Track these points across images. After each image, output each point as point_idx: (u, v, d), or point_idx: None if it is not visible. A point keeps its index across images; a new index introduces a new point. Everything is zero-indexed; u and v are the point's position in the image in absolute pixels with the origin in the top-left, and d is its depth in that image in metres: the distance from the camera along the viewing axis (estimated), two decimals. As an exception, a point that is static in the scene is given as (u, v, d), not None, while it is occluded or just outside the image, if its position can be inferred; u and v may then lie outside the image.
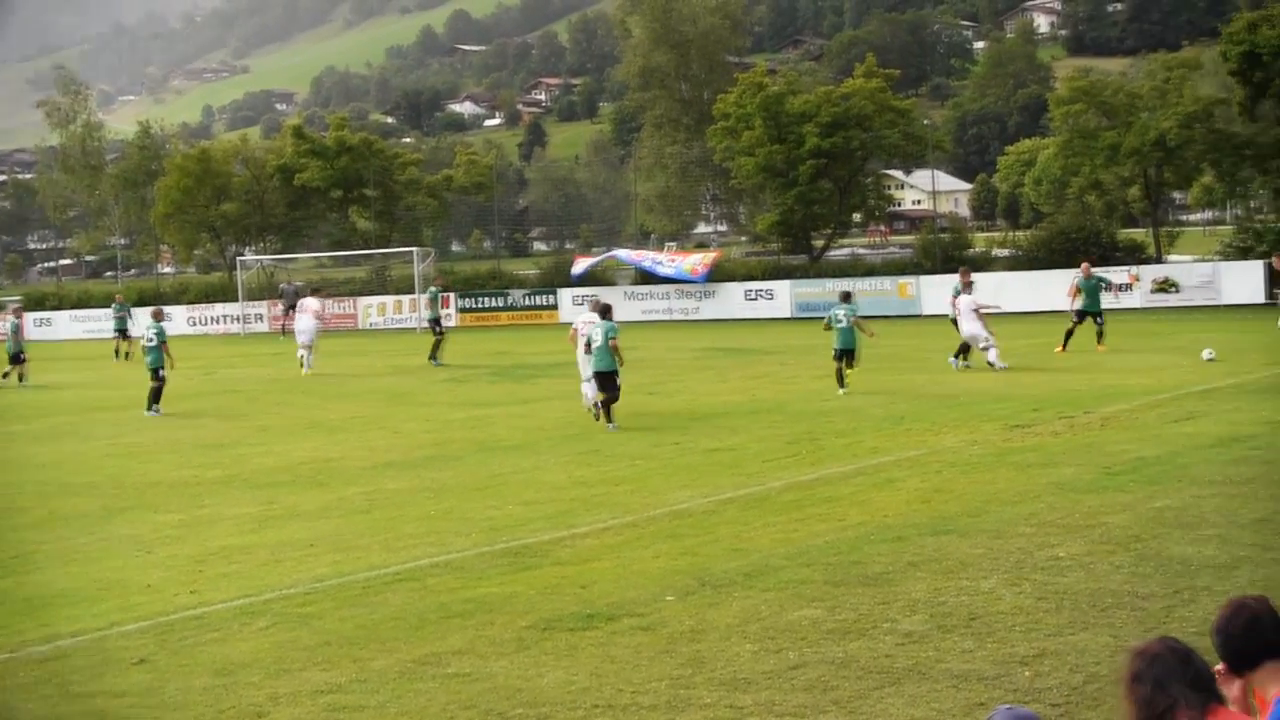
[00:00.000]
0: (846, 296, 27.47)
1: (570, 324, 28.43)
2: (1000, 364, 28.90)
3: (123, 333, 47.63)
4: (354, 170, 69.37)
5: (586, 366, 23.82)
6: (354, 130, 78.33)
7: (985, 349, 29.31)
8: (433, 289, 43.06)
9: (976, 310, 29.72)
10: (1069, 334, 32.17)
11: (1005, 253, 56.26)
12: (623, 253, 61.00)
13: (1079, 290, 32.29)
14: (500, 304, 59.82)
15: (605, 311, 23.89)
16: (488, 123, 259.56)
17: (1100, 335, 32.11)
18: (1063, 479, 15.63)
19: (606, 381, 23.10)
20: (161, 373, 28.48)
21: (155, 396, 28.29)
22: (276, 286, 63.22)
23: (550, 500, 16.49)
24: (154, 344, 28.59)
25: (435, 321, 40.77)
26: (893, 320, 47.42)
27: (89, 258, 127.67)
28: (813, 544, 13.00)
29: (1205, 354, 28.59)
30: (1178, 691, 4.38)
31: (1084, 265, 34.15)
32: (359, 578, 12.73)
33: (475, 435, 23.28)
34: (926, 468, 17.21)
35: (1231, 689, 4.61)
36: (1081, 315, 32.25)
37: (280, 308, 58.46)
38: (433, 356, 38.72)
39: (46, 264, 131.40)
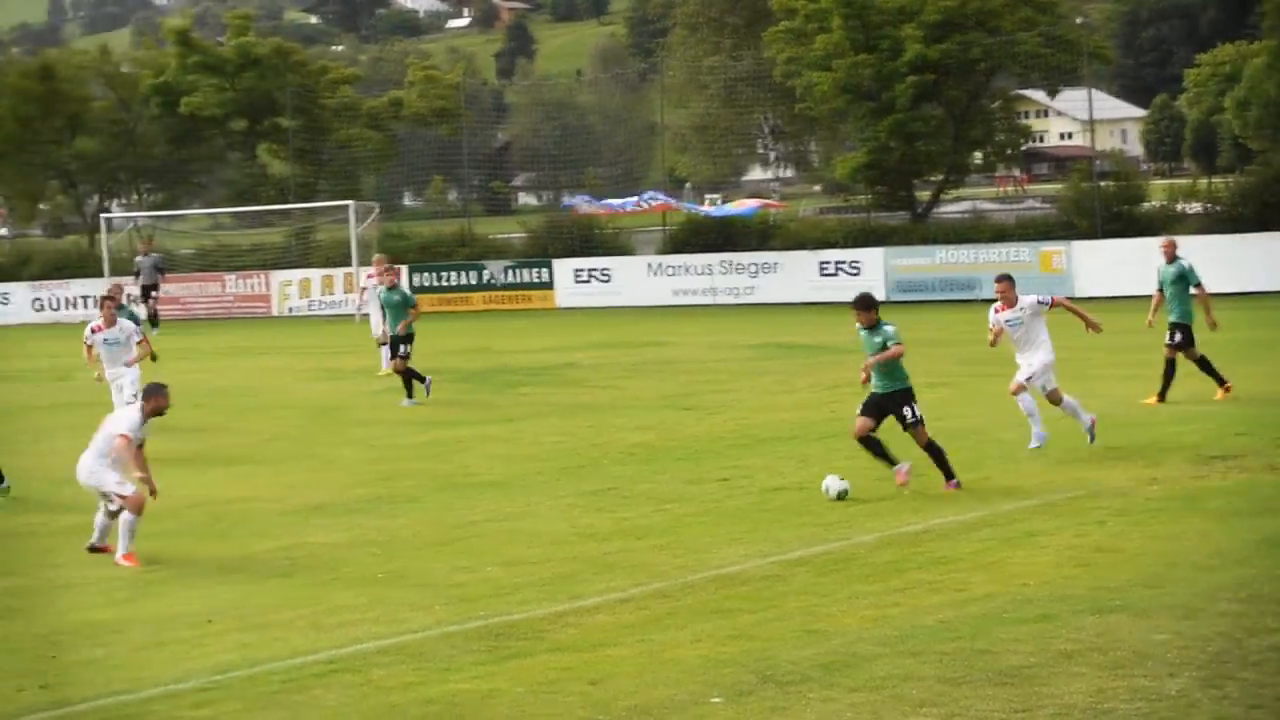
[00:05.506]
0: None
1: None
2: None
3: None
4: (263, 92, 69.33)
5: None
6: (263, 35, 78.37)
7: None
8: None
9: None
10: (1167, 374, 26.33)
11: (1196, 208, 56.00)
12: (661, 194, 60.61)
13: (1161, 291, 26.99)
14: (472, 281, 59.80)
15: None
16: (452, 24, 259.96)
17: (1207, 367, 26.31)
18: (1283, 533, 15.63)
19: None
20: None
21: None
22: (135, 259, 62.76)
23: (545, 560, 16.47)
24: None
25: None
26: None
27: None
28: (919, 624, 12.97)
29: (830, 486, 19.74)
30: None
31: (1166, 243, 28.08)
32: (277, 668, 12.73)
33: (438, 467, 23.25)
34: (1083, 516, 17.16)
35: None
36: (1179, 336, 26.46)
37: (136, 288, 58.18)
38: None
39: None
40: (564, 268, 58.23)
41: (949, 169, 60.40)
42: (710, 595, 14.58)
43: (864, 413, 19.76)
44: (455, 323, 53.37)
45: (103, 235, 64.65)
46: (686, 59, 79.11)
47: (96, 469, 17.51)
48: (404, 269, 59.74)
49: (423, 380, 31.07)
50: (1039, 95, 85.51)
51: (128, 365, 26.79)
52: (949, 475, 19.59)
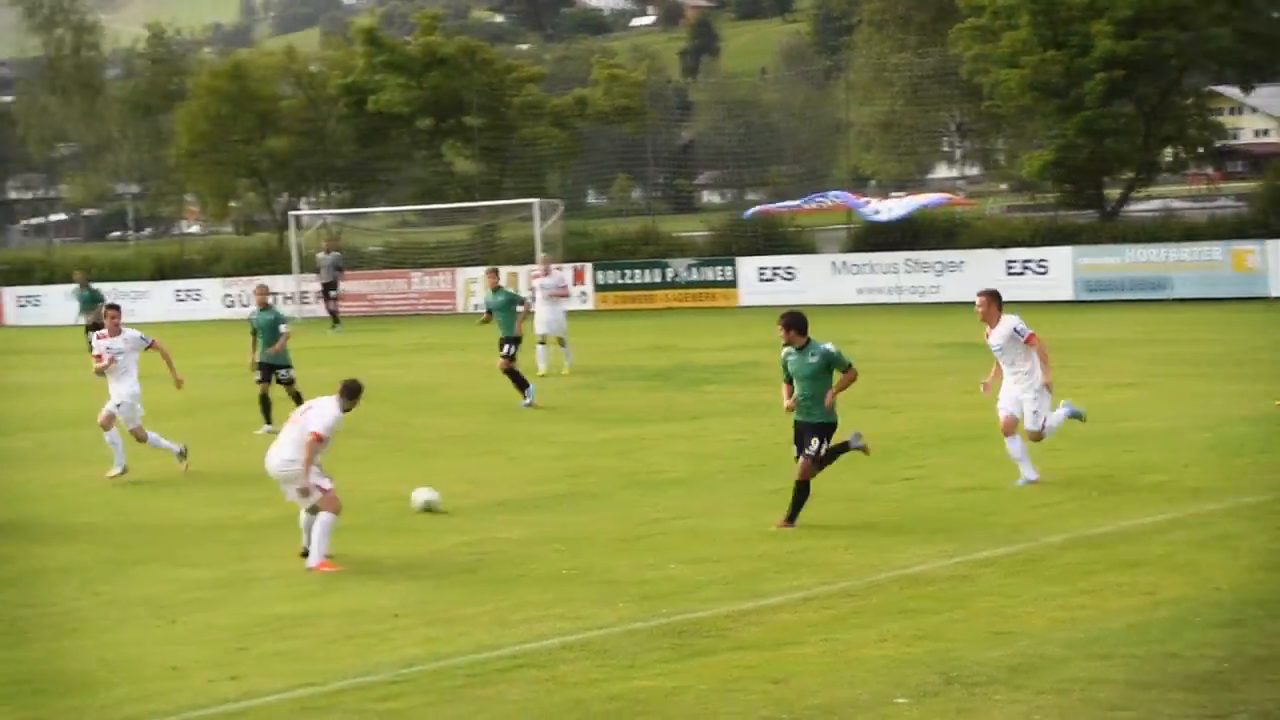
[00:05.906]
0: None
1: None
2: None
3: (95, 328, 45.37)
4: (450, 91, 70.02)
5: None
6: (449, 34, 79.07)
7: None
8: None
9: None
10: None
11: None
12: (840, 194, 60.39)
13: None
14: (656, 279, 60.00)
15: None
16: (636, 22, 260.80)
17: None
18: None
19: None
20: (283, 373, 28.94)
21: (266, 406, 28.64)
22: (317, 255, 63.38)
23: (729, 558, 16.51)
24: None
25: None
26: (1224, 304, 46.55)
27: (88, 212, 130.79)
28: (1108, 627, 12.84)
29: (419, 498, 20.64)
30: None
31: None
32: (462, 662, 12.89)
33: (622, 465, 23.38)
34: (1277, 520, 16.90)
35: None
36: None
37: (318, 285, 58.92)
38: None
39: (31, 220, 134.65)
40: (748, 266, 58.22)
41: (1139, 167, 59.63)
42: (895, 595, 14.55)
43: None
44: (639, 320, 53.58)
45: (291, 233, 65.68)
46: (872, 56, 78.77)
47: (296, 458, 17.36)
48: (588, 266, 60.24)
49: (524, 388, 30.96)
50: (1234, 91, 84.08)
51: (129, 388, 24.82)
52: (790, 516, 18.28)
